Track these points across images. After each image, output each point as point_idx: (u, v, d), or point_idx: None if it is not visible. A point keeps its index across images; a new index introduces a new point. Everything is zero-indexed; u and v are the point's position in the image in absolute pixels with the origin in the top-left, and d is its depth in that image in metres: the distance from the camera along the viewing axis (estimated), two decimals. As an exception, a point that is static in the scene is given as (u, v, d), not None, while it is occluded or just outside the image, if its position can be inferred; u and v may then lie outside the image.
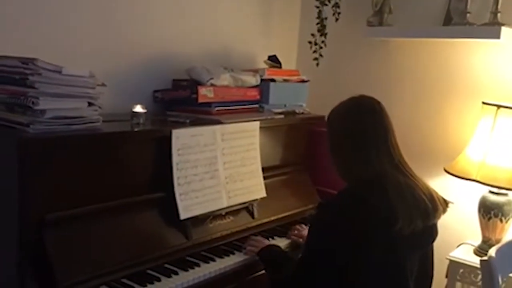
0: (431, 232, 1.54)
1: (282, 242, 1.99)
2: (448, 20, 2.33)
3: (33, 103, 1.44)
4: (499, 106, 2.07)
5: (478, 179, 2.07)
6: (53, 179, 1.49)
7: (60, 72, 1.49)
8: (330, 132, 1.59)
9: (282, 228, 2.12)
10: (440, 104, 2.47)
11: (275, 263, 1.71)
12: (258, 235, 2.00)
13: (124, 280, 1.56)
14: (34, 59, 1.46)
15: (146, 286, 1.55)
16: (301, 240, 1.97)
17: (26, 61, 1.46)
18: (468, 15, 2.21)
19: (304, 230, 2.02)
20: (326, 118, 1.62)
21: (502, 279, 1.59)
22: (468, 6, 2.21)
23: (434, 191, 1.54)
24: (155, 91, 2.18)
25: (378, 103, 1.55)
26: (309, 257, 1.51)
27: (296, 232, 2.04)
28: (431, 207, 1.47)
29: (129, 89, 2.10)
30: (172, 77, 2.22)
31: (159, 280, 1.59)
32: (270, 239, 2.00)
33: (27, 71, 1.44)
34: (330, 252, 1.44)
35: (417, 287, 1.51)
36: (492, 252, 1.56)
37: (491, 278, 1.52)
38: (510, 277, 1.97)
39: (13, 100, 1.49)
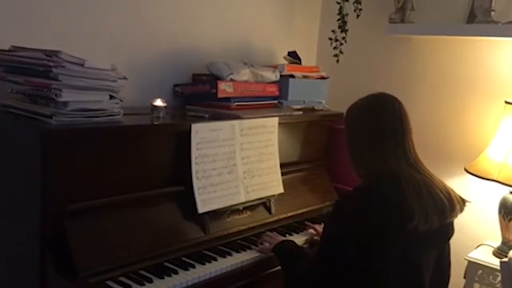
0: (447, 230, 1.53)
1: (298, 239, 1.98)
2: (471, 18, 2.29)
3: (56, 95, 1.46)
4: (522, 106, 2.04)
5: (499, 179, 2.04)
6: (75, 171, 1.51)
7: (82, 65, 1.51)
8: (348, 128, 1.59)
9: (299, 224, 2.12)
10: (462, 103, 2.43)
11: (290, 258, 1.69)
12: (274, 231, 2.00)
13: (142, 272, 1.57)
14: (57, 51, 1.47)
15: (163, 278, 1.56)
16: (318, 238, 1.96)
17: (50, 53, 1.48)
18: (492, 13, 2.18)
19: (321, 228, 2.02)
20: (344, 114, 1.61)
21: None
22: (493, 4, 2.18)
23: (452, 189, 1.52)
24: (175, 86, 2.19)
25: (397, 101, 1.54)
26: (325, 251, 1.51)
27: (313, 231, 2.04)
28: (448, 206, 1.46)
29: (149, 83, 2.11)
30: (192, 72, 2.23)
31: (176, 272, 1.60)
32: (287, 235, 2.00)
33: (51, 64, 1.46)
34: (346, 245, 1.43)
35: (433, 287, 1.50)
36: (512, 253, 1.54)
37: (511, 279, 1.50)
38: (530, 279, 1.94)
39: (37, 92, 1.51)
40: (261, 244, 1.86)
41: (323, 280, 1.48)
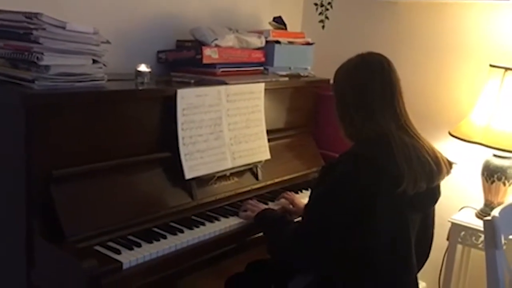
0: (434, 194, 1.54)
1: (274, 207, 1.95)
2: (457, -19, 2.29)
3: (37, 58, 1.43)
4: (506, 69, 2.05)
5: (482, 142, 2.06)
6: (59, 136, 1.49)
7: (64, 28, 1.47)
8: (336, 89, 1.57)
9: (286, 190, 2.12)
10: (447, 67, 2.44)
11: (274, 226, 1.67)
12: (261, 198, 2.01)
13: (131, 237, 1.57)
14: (38, 13, 1.43)
15: (152, 243, 1.56)
16: (291, 206, 1.94)
17: (30, 15, 1.44)
18: (478, -24, 2.17)
19: (295, 197, 2.00)
20: (333, 75, 1.59)
21: (504, 240, 1.60)
22: (479, -33, 2.17)
23: (439, 152, 1.53)
24: (159, 52, 2.16)
25: (387, 60, 1.53)
26: (313, 217, 1.51)
27: (286, 196, 2.00)
28: (436, 169, 1.47)
29: (132, 50, 2.07)
30: (176, 38, 2.19)
31: (165, 237, 1.61)
32: (269, 203, 1.98)
33: (31, 26, 1.43)
34: (335, 210, 1.44)
35: (417, 249, 1.52)
36: (495, 212, 1.57)
37: (494, 238, 1.53)
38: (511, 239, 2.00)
39: (18, 56, 1.48)
40: (244, 211, 1.83)
41: (310, 246, 1.48)
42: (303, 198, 1.97)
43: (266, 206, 1.88)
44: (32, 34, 1.43)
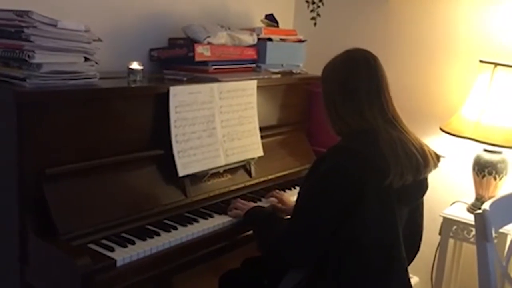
0: (421, 187, 1.55)
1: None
2: (447, -23, 2.30)
3: (29, 56, 1.42)
4: (496, 64, 2.07)
5: (473, 137, 2.08)
6: (52, 134, 1.49)
7: (55, 26, 1.47)
8: (324, 85, 1.58)
9: (279, 187, 2.14)
10: (437, 63, 2.46)
11: (264, 223, 1.67)
12: (254, 194, 2.02)
13: (124, 235, 1.57)
14: (29, 11, 1.43)
15: (146, 240, 1.56)
16: (279, 204, 1.95)
17: (21, 13, 1.44)
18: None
19: (284, 195, 2.01)
20: (321, 72, 1.60)
21: (494, 233, 1.62)
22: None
23: (426, 145, 1.54)
24: (151, 50, 2.16)
25: (373, 56, 1.54)
26: (303, 212, 1.51)
27: (275, 195, 2.00)
28: (422, 162, 1.48)
29: (125, 48, 2.07)
30: (168, 36, 2.19)
31: (158, 234, 1.61)
32: (258, 201, 1.98)
33: (22, 24, 1.42)
34: (324, 205, 1.44)
35: (406, 242, 1.53)
36: (486, 205, 1.58)
37: (485, 231, 1.55)
38: (502, 233, 2.02)
39: (9, 54, 1.47)
40: (232, 210, 1.82)
41: (301, 242, 1.48)
42: (294, 195, 1.97)
43: (255, 204, 1.87)
44: (23, 32, 1.42)
